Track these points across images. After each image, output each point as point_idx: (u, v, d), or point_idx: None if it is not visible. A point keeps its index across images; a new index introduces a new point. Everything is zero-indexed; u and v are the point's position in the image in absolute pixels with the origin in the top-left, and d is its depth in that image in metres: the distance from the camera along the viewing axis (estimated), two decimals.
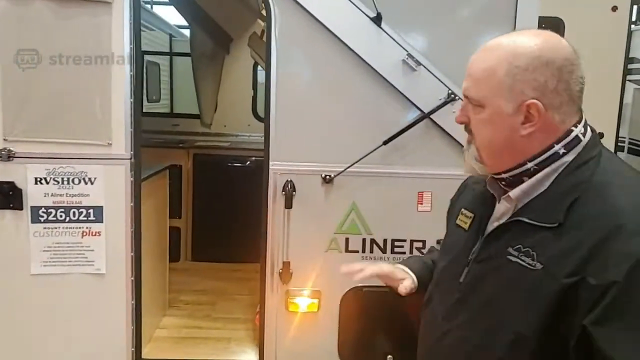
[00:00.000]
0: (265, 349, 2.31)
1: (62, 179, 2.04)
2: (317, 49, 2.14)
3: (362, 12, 2.09)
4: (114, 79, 2.00)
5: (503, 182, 0.96)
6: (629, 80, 5.95)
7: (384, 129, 2.18)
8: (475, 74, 0.93)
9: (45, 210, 2.04)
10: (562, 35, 3.25)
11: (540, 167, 0.90)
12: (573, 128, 0.89)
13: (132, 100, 2.06)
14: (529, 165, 0.90)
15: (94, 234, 2.08)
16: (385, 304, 2.31)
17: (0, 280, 2.11)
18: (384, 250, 2.28)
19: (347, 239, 2.26)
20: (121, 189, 2.09)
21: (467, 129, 0.97)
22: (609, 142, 4.97)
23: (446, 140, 2.20)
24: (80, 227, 2.07)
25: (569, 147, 0.89)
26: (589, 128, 0.92)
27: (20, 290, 2.12)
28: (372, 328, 2.34)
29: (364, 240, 2.27)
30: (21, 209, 2.03)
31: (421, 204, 2.25)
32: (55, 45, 1.93)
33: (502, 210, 0.96)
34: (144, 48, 6.40)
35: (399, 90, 2.15)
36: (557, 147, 0.89)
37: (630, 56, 6.19)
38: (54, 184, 2.03)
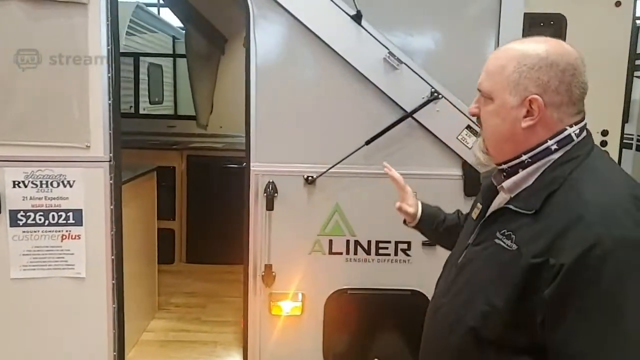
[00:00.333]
0: (248, 353, 2.28)
1: (41, 182, 2.02)
2: (298, 48, 2.12)
3: (342, 10, 2.06)
4: (92, 80, 1.99)
5: (504, 174, 1.06)
6: (637, 77, 5.86)
7: (366, 129, 2.14)
8: (489, 70, 1.04)
9: (24, 214, 2.03)
10: (565, 31, 3.19)
11: (533, 160, 0.99)
12: (567, 127, 0.98)
13: (110, 101, 2.05)
14: (524, 157, 1.00)
15: (73, 237, 2.06)
16: (371, 306, 2.29)
17: None
18: (368, 252, 2.25)
19: (330, 241, 2.23)
20: (100, 191, 2.08)
21: (478, 120, 1.09)
22: (614, 139, 4.87)
23: (430, 140, 2.16)
24: (59, 231, 2.05)
25: (560, 144, 0.98)
26: (585, 131, 1.00)
27: None
28: (357, 330, 2.31)
29: (347, 241, 2.24)
30: None
31: None
32: (31, 47, 1.91)
33: (500, 200, 1.08)
34: (145, 50, 6.49)
35: (381, 89, 2.12)
36: (549, 142, 0.98)
37: (637, 52, 6.12)
38: (32, 187, 2.02)
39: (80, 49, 1.94)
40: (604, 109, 4.79)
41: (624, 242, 0.86)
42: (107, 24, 1.98)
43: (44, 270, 2.07)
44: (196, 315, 3.11)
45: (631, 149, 6.07)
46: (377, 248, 2.24)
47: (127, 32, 6.02)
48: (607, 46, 4.75)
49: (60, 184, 2.03)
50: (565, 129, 0.98)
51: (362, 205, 2.22)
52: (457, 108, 2.12)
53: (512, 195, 1.03)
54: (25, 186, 2.01)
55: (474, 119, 2.12)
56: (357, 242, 2.24)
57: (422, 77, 2.10)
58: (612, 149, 4.85)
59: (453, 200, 2.18)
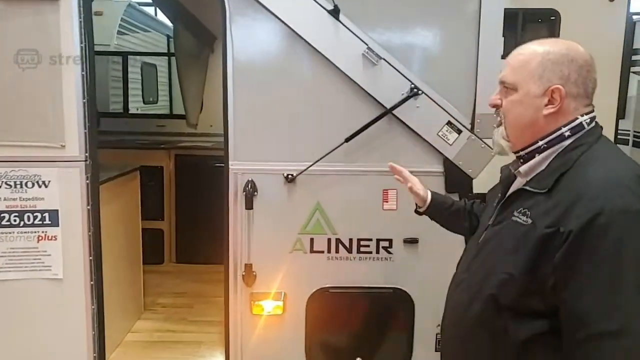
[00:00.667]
0: (230, 354, 2.26)
1: (15, 182, 2.00)
2: (275, 45, 2.09)
3: (319, 4, 2.03)
4: (65, 79, 1.96)
5: (521, 160, 1.17)
6: (634, 72, 5.85)
7: (346, 126, 2.12)
8: (513, 64, 1.15)
9: None
10: (559, 26, 3.16)
11: (549, 145, 1.11)
12: (579, 116, 1.10)
13: (85, 100, 2.02)
14: (540, 143, 1.12)
15: (49, 238, 2.04)
16: (352, 304, 2.27)
17: None
18: (349, 250, 2.22)
19: (312, 239, 2.21)
20: (77, 191, 2.05)
21: (497, 112, 1.20)
22: (608, 135, 4.84)
23: (410, 136, 2.14)
24: (35, 232, 2.03)
25: (572, 131, 1.10)
26: (595, 122, 1.13)
27: None
28: (340, 329, 2.29)
29: (329, 240, 2.21)
30: None
31: (386, 202, 2.19)
32: (2, 45, 1.89)
33: (517, 185, 1.19)
34: (139, 49, 6.47)
35: (360, 86, 2.09)
36: (563, 129, 1.10)
37: (634, 47, 6.10)
38: (6, 187, 1.99)
39: (52, 47, 1.91)
40: (598, 104, 4.77)
41: (625, 212, 0.97)
42: (80, 21, 1.95)
43: (20, 272, 2.05)
44: (183, 315, 3.09)
45: (628, 144, 6.06)
46: (359, 246, 2.22)
47: (118, 31, 6.00)
48: (600, 42, 4.71)
49: (35, 184, 2.00)
50: (577, 118, 1.10)
51: (343, 203, 2.20)
52: (437, 104, 2.10)
53: (527, 179, 1.15)
54: None
55: (455, 115, 2.13)
56: (338, 240, 2.22)
57: (401, 73, 2.08)
58: None
59: None
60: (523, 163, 1.16)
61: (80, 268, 2.09)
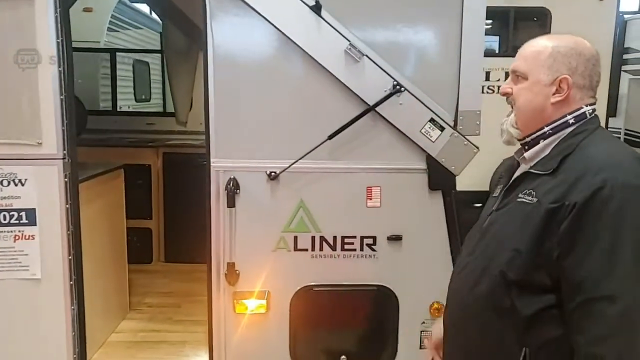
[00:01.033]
0: (214, 353, 2.24)
1: None
2: (257, 41, 2.06)
3: (301, 0, 2.00)
4: (41, 75, 1.92)
5: (526, 146, 1.24)
6: (624, 71, 5.87)
7: (329, 123, 2.10)
8: (525, 54, 1.23)
9: None
10: (550, 25, 3.16)
11: (554, 131, 1.19)
12: (584, 106, 1.18)
13: (62, 97, 1.98)
14: (546, 129, 1.20)
15: (27, 237, 2.00)
16: (337, 302, 2.26)
17: None
18: (333, 248, 2.21)
19: (295, 238, 2.19)
20: (55, 190, 2.02)
21: (509, 99, 1.25)
22: None
23: (393, 133, 2.12)
24: (12, 231, 1.99)
25: (577, 119, 1.17)
26: (594, 113, 1.21)
27: None
28: (324, 327, 2.28)
29: (313, 238, 2.19)
30: None
31: (370, 199, 2.18)
32: None
33: (520, 172, 1.25)
34: (131, 47, 6.41)
35: (342, 82, 2.07)
36: (568, 117, 1.18)
37: (625, 46, 6.12)
38: None
39: (28, 43, 1.87)
40: None
41: (626, 186, 1.05)
42: (56, 16, 1.92)
43: None
44: (169, 315, 3.06)
45: None
46: (343, 243, 2.20)
47: (109, 28, 5.95)
48: (590, 40, 4.74)
49: (11, 182, 1.97)
50: (582, 107, 1.18)
51: (327, 200, 2.18)
52: (420, 101, 2.08)
53: (531, 164, 1.21)
54: None
55: (438, 112, 2.12)
56: (322, 238, 2.20)
57: (384, 70, 2.06)
58: None
59: (418, 194, 2.17)
60: (527, 150, 1.23)
61: (60, 268, 2.06)
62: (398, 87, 2.05)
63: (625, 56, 5.95)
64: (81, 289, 2.14)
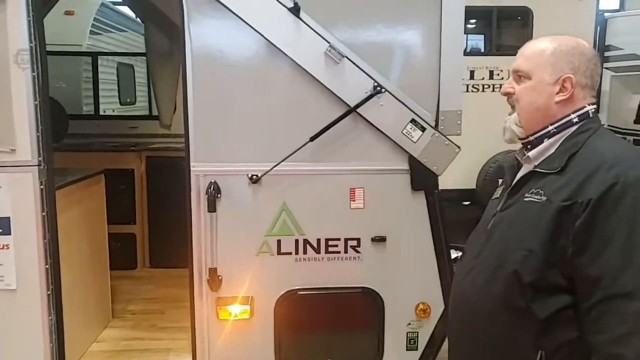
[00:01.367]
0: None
1: None
2: (236, 42, 2.04)
3: (279, 2, 1.98)
4: (14, 80, 1.88)
5: (529, 146, 1.24)
6: (606, 68, 5.96)
7: (311, 125, 2.08)
8: (527, 54, 1.23)
9: None
10: (532, 24, 3.22)
11: (558, 130, 1.19)
12: (586, 105, 1.20)
13: (37, 102, 1.94)
14: (550, 127, 1.20)
15: (1, 247, 1.95)
16: (322, 306, 2.24)
17: None
18: (317, 251, 2.19)
19: (278, 241, 2.16)
20: (30, 197, 1.97)
21: (509, 100, 1.26)
22: None
23: (375, 134, 2.11)
24: None
25: (580, 118, 1.19)
26: (594, 112, 1.22)
27: None
28: (309, 331, 2.25)
29: (296, 241, 2.17)
30: None
31: (353, 200, 2.16)
32: None
33: (524, 172, 1.25)
34: (115, 50, 6.32)
35: (323, 84, 2.05)
36: (572, 115, 1.19)
37: (606, 44, 6.22)
38: None
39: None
40: None
41: (639, 181, 1.06)
42: (29, 19, 1.87)
43: None
44: (153, 322, 3.01)
45: None
46: (327, 246, 2.18)
47: (91, 31, 5.87)
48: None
49: None
50: (585, 107, 1.19)
51: (310, 203, 2.16)
52: (401, 102, 2.08)
53: (535, 164, 1.21)
54: None
55: (419, 112, 2.11)
56: (306, 241, 2.17)
57: (364, 71, 2.05)
58: None
59: (401, 195, 2.16)
60: (530, 149, 1.23)
61: (36, 277, 2.00)
62: (379, 88, 2.04)
63: (606, 54, 6.05)
64: (59, 299, 2.09)
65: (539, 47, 1.22)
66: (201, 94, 2.05)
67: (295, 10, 1.98)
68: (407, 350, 2.24)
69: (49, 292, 2.04)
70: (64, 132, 4.56)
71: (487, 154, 4.72)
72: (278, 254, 2.16)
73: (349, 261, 2.19)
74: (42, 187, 1.99)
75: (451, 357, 1.34)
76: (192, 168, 2.08)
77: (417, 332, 2.23)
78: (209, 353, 2.20)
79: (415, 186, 2.13)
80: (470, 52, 5.13)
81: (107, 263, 2.99)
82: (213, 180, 2.08)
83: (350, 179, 2.14)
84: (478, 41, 5.40)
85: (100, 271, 2.86)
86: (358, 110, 2.06)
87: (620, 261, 1.03)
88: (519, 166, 1.29)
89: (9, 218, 1.95)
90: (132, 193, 4.09)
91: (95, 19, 5.90)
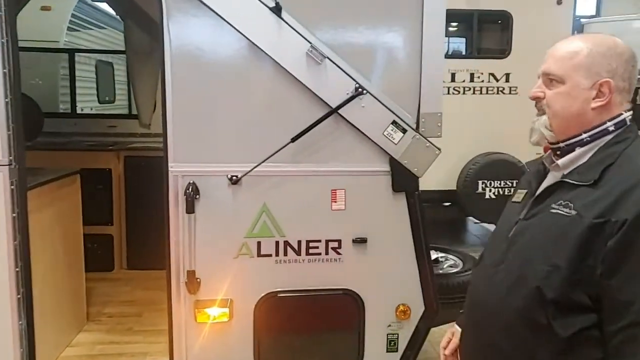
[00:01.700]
0: None
1: None
2: (216, 41, 2.01)
3: (261, 1, 1.96)
4: None
5: (558, 152, 1.16)
6: None
7: (292, 126, 2.06)
8: (558, 55, 1.13)
9: None
10: (511, 28, 3.25)
11: (592, 138, 1.11)
12: (623, 112, 1.12)
13: (7, 100, 1.87)
14: (584, 135, 1.12)
15: None
16: (302, 308, 2.22)
17: None
18: (298, 253, 2.17)
19: (259, 243, 2.14)
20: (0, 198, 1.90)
21: (538, 104, 1.18)
22: None
23: (356, 136, 2.11)
24: None
25: (617, 126, 1.11)
26: (631, 119, 1.14)
27: None
28: (290, 334, 2.23)
29: (277, 243, 2.15)
30: None
31: (335, 202, 2.15)
32: None
33: (551, 180, 1.18)
34: (93, 47, 6.18)
35: (304, 85, 2.04)
36: (608, 123, 1.11)
37: None
38: None
39: None
40: None
41: None
42: (1, 15, 1.80)
43: None
44: (129, 325, 2.95)
45: None
46: (308, 248, 2.17)
47: (69, 27, 5.74)
48: (550, 43, 4.90)
49: None
50: (622, 114, 1.11)
51: (290, 204, 2.14)
52: (382, 103, 2.08)
53: (565, 173, 1.13)
54: None
55: (400, 114, 2.11)
56: (286, 243, 2.16)
57: (346, 72, 2.04)
58: None
59: (382, 196, 2.16)
60: (560, 156, 1.15)
61: (5, 281, 1.93)
62: (360, 89, 2.03)
63: None
64: (30, 303, 2.02)
65: (572, 48, 1.12)
66: (180, 93, 2.01)
67: (276, 10, 1.96)
68: (387, 351, 2.24)
69: (19, 296, 1.98)
70: (39, 130, 4.45)
71: (468, 156, 4.77)
72: (258, 255, 2.14)
73: (329, 263, 2.18)
74: (12, 187, 1.92)
75: None
76: (170, 168, 2.04)
77: (398, 334, 2.23)
78: (186, 357, 2.16)
79: (396, 187, 2.13)
80: (451, 55, 5.19)
81: (82, 265, 2.91)
82: (192, 181, 2.04)
83: (331, 180, 2.14)
84: (460, 44, 5.46)
85: (74, 273, 2.79)
86: (339, 111, 2.06)
87: None
88: (546, 172, 1.21)
89: None
90: (109, 193, 4.00)
91: (73, 15, 5.78)
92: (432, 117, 2.11)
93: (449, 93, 4.80)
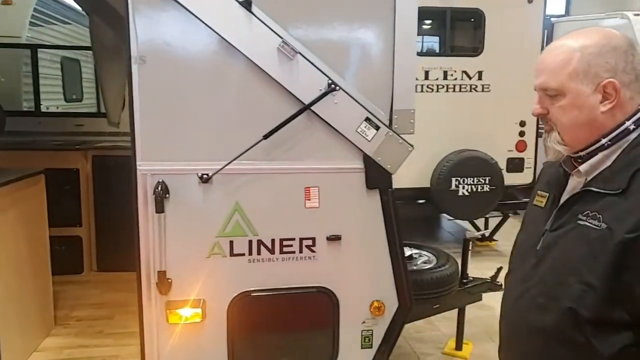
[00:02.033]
0: None
1: None
2: (185, 36, 1.96)
3: None
4: None
5: (580, 160, 1.08)
6: None
7: (264, 123, 2.03)
8: (549, 68, 1.06)
9: None
10: (484, 25, 3.28)
11: (613, 142, 1.04)
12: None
13: None
14: (603, 141, 1.05)
15: None
16: (276, 307, 2.20)
17: None
18: (272, 251, 2.15)
19: (231, 242, 2.10)
20: None
21: (545, 119, 1.10)
22: (530, 129, 5.17)
23: (330, 133, 2.09)
24: None
25: (637, 124, 1.03)
26: None
27: None
28: (264, 333, 2.21)
29: (250, 242, 2.12)
30: None
31: (309, 199, 2.14)
32: None
33: (573, 185, 1.11)
34: (59, 43, 5.97)
35: (276, 81, 2.01)
36: (627, 123, 1.03)
37: None
38: None
39: None
40: (520, 101, 5.05)
41: None
42: None
43: None
44: (100, 328, 2.87)
45: None
46: (282, 246, 2.15)
47: (31, 22, 5.53)
48: (521, 41, 5.01)
49: None
50: None
51: (264, 202, 2.11)
52: (355, 100, 2.07)
53: (588, 178, 1.07)
54: None
55: (373, 111, 2.11)
56: (260, 242, 2.13)
57: (318, 68, 2.02)
58: (529, 139, 5.15)
59: (356, 193, 2.16)
60: (581, 162, 1.08)
61: None
62: (333, 85, 2.02)
63: None
64: None
65: (562, 56, 1.04)
66: (148, 89, 1.96)
67: (246, 4, 1.93)
68: (362, 348, 2.25)
69: None
70: (1, 129, 4.28)
71: (441, 153, 4.83)
72: (231, 255, 2.11)
73: (303, 261, 2.17)
74: None
75: None
76: (138, 167, 1.99)
77: (372, 330, 2.24)
78: (158, 358, 2.11)
79: (369, 185, 2.13)
80: (425, 53, 5.24)
81: (48, 268, 2.81)
82: (161, 180, 1.99)
83: (305, 177, 2.12)
84: (434, 43, 5.52)
85: (40, 276, 2.69)
86: (312, 108, 2.04)
87: None
88: (566, 176, 1.13)
89: None
90: (77, 194, 3.89)
91: (35, 10, 5.58)
92: (405, 114, 2.12)
93: (422, 91, 4.84)
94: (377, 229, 2.18)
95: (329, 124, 2.08)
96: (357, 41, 2.11)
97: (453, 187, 4.70)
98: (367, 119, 2.08)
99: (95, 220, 3.95)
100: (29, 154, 3.73)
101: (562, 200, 1.11)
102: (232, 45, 1.96)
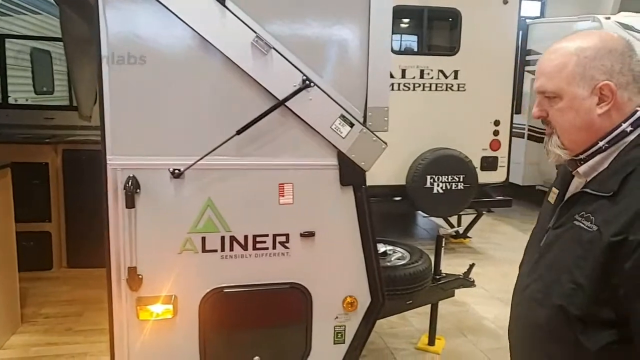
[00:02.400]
0: None
1: None
2: (157, 29, 1.93)
3: None
4: None
5: (581, 162, 1.11)
6: (527, 71, 6.38)
7: (237, 118, 2.02)
8: (547, 71, 1.09)
9: None
10: (460, 25, 3.30)
11: (610, 144, 1.06)
12: (638, 108, 1.05)
13: None
14: (601, 144, 1.07)
15: None
16: (249, 303, 2.20)
17: None
18: (245, 247, 2.14)
19: (203, 238, 2.08)
20: None
21: (546, 121, 1.13)
22: (504, 129, 5.27)
23: (304, 129, 2.09)
24: None
25: (634, 125, 1.05)
26: None
27: None
28: (236, 329, 2.20)
29: (222, 238, 2.11)
30: None
31: (282, 196, 2.14)
32: None
33: (576, 185, 1.15)
34: (28, 34, 5.76)
35: (250, 76, 2.00)
36: (624, 125, 1.05)
37: (527, 48, 6.64)
38: None
39: None
40: (494, 100, 5.15)
41: None
42: None
43: None
44: (69, 325, 2.81)
45: (523, 137, 6.62)
46: (255, 242, 2.14)
47: None
48: (496, 41, 5.09)
49: None
50: (637, 110, 1.05)
51: (237, 198, 2.10)
52: (330, 97, 2.08)
53: (587, 179, 1.10)
54: None
55: (348, 108, 2.12)
56: (232, 238, 2.12)
57: (292, 64, 2.02)
58: (503, 138, 5.25)
59: (330, 190, 2.16)
60: (581, 164, 1.11)
61: None
62: (307, 82, 2.02)
63: (527, 57, 6.49)
64: None
65: (559, 60, 1.06)
66: (118, 83, 1.92)
67: None
68: (334, 343, 2.26)
69: None
70: None
71: (417, 152, 4.89)
72: (203, 251, 2.09)
73: (277, 257, 2.17)
74: None
75: None
76: (108, 162, 1.95)
77: (345, 326, 2.26)
78: (128, 355, 2.09)
79: (343, 181, 2.15)
80: (403, 52, 5.28)
81: (14, 264, 2.73)
82: (132, 175, 1.96)
83: (279, 174, 2.12)
84: (411, 42, 5.57)
85: (6, 273, 2.61)
86: (287, 104, 2.03)
87: None
88: (572, 175, 1.17)
89: None
90: (46, 188, 3.79)
91: None
92: (379, 112, 2.14)
93: (399, 89, 4.88)
94: (350, 226, 2.20)
95: (303, 121, 2.08)
96: (332, 38, 2.11)
97: (428, 184, 4.77)
98: (342, 116, 2.09)
99: (65, 215, 3.86)
100: None
101: (565, 199, 1.16)
102: (206, 39, 1.94)
